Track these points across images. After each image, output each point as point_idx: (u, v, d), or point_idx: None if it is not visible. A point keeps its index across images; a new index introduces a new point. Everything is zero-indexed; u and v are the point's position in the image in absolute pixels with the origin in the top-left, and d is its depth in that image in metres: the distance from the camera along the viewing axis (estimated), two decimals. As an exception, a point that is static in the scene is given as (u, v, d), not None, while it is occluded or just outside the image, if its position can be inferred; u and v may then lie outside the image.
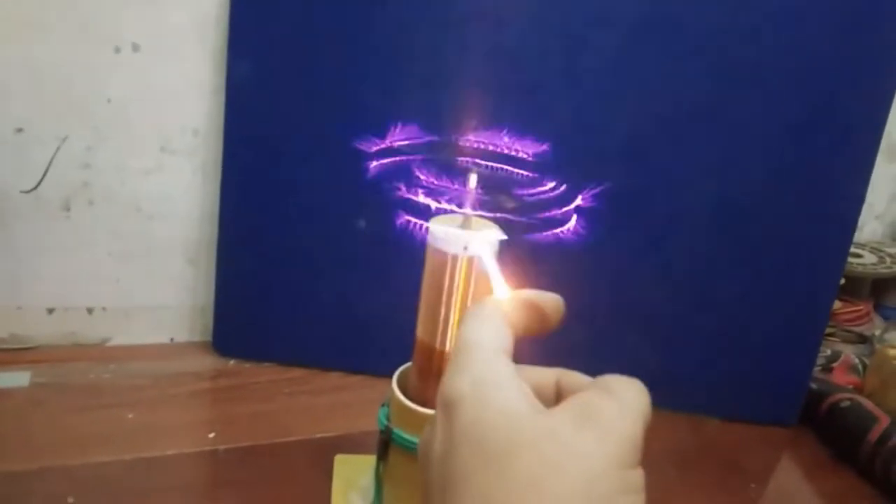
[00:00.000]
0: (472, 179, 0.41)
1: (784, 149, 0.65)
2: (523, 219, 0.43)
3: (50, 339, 0.68)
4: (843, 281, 0.85)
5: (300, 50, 0.61)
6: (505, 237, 0.41)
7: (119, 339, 0.70)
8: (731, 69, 0.62)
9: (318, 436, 0.59)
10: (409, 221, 0.42)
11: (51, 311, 0.67)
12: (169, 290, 0.71)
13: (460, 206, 0.41)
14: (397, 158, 0.45)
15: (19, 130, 0.61)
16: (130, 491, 0.51)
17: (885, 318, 0.96)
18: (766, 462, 0.66)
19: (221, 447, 0.56)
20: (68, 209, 0.65)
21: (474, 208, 0.42)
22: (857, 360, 0.80)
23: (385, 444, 0.45)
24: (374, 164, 0.46)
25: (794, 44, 0.62)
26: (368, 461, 0.49)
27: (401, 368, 0.47)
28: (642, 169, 0.64)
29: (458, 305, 0.42)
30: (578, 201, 0.52)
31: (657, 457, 0.60)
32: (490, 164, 0.44)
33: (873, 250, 1.00)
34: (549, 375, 0.32)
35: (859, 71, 0.63)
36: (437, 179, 0.42)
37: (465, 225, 0.42)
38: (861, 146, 0.65)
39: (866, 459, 0.63)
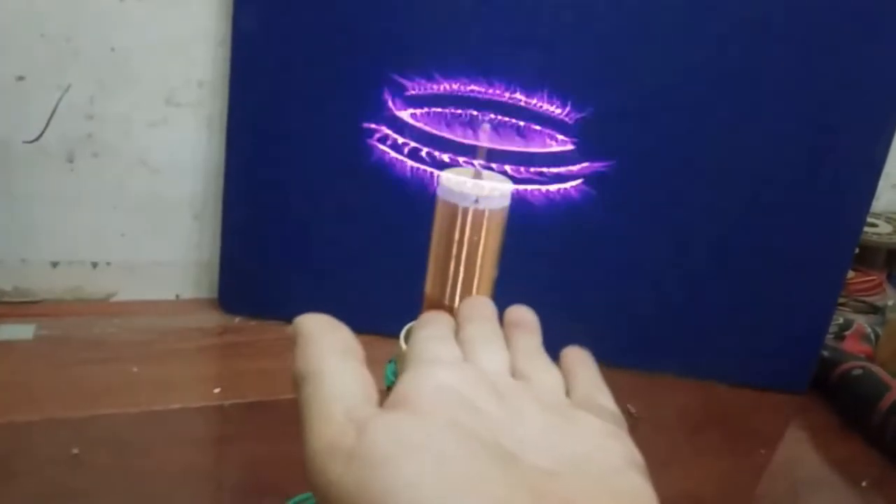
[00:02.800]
0: (485, 131, 0.40)
1: (802, 114, 0.63)
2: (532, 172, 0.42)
3: (54, 293, 0.67)
4: (857, 250, 0.84)
5: (308, -1, 0.59)
6: (517, 187, 0.40)
7: (124, 295, 0.69)
8: (752, 29, 0.60)
9: (324, 393, 0.58)
10: (417, 172, 0.41)
11: (55, 264, 0.67)
12: (174, 245, 0.70)
13: (470, 158, 0.40)
14: (407, 110, 0.44)
15: (20, 78, 0.60)
16: (135, 443, 0.51)
17: (898, 289, 0.94)
18: (776, 428, 0.65)
19: (227, 402, 0.56)
20: (72, 161, 0.64)
21: (485, 161, 0.40)
22: (869, 329, 0.79)
23: (391, 401, 0.44)
24: (381, 117, 0.45)
25: (816, 7, 0.60)
26: (374, 418, 0.48)
27: (408, 325, 0.46)
28: (656, 128, 0.62)
29: (467, 260, 0.41)
30: (587, 160, 0.50)
31: (666, 421, 0.60)
32: (503, 116, 0.43)
33: (889, 220, 0.98)
34: None
35: (881, 37, 0.61)
36: (446, 131, 0.41)
37: (477, 176, 0.41)
38: (881, 114, 0.63)
39: (876, 427, 0.62)
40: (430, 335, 0.31)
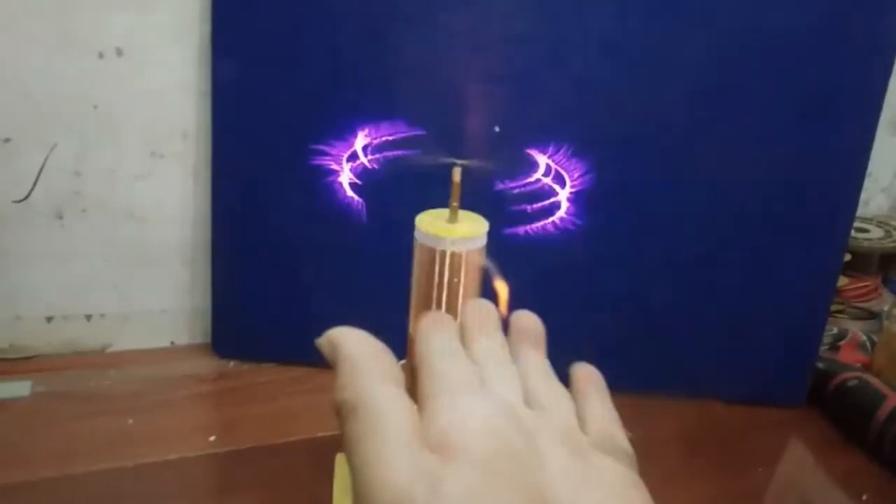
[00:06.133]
0: (457, 173, 0.41)
1: (782, 125, 0.63)
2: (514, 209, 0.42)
3: (50, 348, 0.68)
4: (849, 257, 0.84)
5: (286, 45, 0.60)
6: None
7: (119, 345, 0.70)
8: (725, 49, 0.61)
9: (320, 435, 0.59)
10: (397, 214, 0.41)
11: (49, 319, 0.67)
12: (167, 293, 0.70)
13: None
14: (385, 153, 0.45)
15: (7, 140, 0.61)
16: (134, 498, 0.51)
17: (894, 293, 0.94)
18: (774, 444, 0.65)
19: (222, 450, 0.56)
20: (61, 217, 0.65)
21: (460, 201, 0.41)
22: (864, 338, 0.79)
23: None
24: (362, 159, 0.45)
25: (789, 18, 0.61)
26: (368, 460, 0.48)
27: (399, 363, 0.46)
28: (638, 155, 0.63)
29: (448, 302, 0.42)
30: (568, 190, 0.51)
31: (661, 444, 0.60)
32: (476, 159, 0.44)
33: (880, 224, 0.98)
34: None
35: (858, 42, 0.62)
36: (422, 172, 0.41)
37: (452, 218, 0.41)
38: (861, 118, 0.64)
39: (875, 438, 0.62)
40: (443, 349, 0.30)
